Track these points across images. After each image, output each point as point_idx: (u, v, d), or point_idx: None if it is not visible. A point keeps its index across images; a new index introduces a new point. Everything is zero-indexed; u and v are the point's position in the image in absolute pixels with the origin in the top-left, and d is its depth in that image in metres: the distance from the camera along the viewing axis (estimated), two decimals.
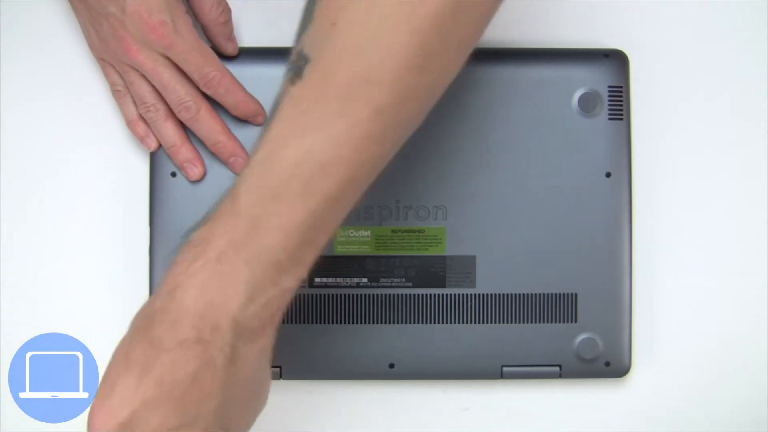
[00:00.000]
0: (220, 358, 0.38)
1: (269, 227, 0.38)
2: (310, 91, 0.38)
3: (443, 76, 0.40)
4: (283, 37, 0.54)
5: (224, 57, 0.52)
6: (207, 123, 0.51)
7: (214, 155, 0.52)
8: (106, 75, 0.52)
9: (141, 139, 0.52)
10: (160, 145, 0.52)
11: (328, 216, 0.39)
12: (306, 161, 0.37)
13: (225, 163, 0.52)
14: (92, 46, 0.52)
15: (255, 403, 0.42)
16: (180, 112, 0.50)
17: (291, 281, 0.39)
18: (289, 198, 0.38)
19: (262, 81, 0.52)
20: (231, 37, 0.52)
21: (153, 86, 0.50)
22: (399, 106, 0.38)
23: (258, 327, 0.39)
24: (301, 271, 0.39)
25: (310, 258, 0.39)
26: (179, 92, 0.50)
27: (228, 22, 0.51)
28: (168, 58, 0.49)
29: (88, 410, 0.39)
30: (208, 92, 0.50)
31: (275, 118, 0.39)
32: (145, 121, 0.52)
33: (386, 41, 0.37)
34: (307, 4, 0.40)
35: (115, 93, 0.52)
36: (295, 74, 0.38)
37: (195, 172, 0.52)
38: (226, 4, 0.51)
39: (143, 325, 0.39)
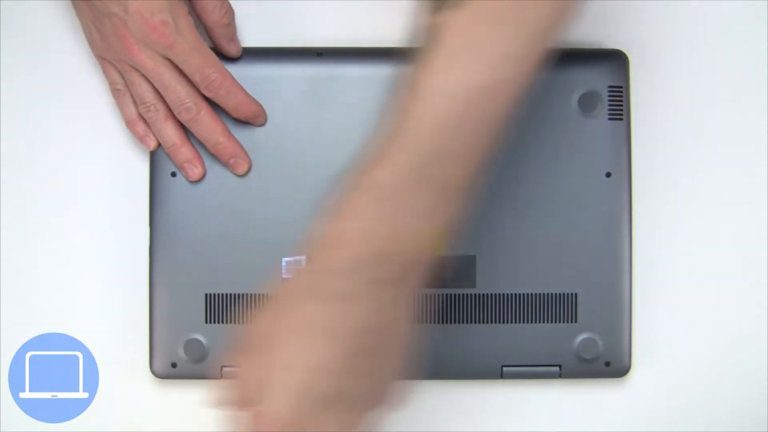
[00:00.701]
0: (398, 293, 0.39)
1: (440, 157, 0.39)
2: (471, 18, 0.39)
3: None
4: (284, 38, 0.55)
5: (226, 58, 0.52)
6: (207, 124, 0.51)
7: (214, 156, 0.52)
8: (106, 74, 0.52)
9: (140, 139, 0.52)
10: (159, 145, 0.52)
11: (490, 141, 0.40)
12: (473, 87, 0.39)
13: (225, 164, 0.52)
14: (93, 45, 0.52)
15: (406, 347, 0.43)
16: (180, 113, 0.50)
17: (458, 207, 0.41)
18: (459, 126, 0.39)
19: (263, 81, 0.52)
20: (234, 38, 0.52)
21: (153, 86, 0.50)
22: (555, 25, 0.40)
23: (427, 255, 0.40)
24: (466, 197, 0.41)
25: (473, 183, 0.41)
26: (179, 93, 0.50)
27: (231, 24, 0.51)
28: (169, 59, 0.49)
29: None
30: (209, 94, 0.50)
31: (437, 47, 0.39)
32: (144, 121, 0.52)
33: None
34: None
35: (115, 92, 0.52)
36: (452, 2, 0.40)
37: (195, 172, 0.52)
38: (230, 6, 0.51)
39: (306, 283, 0.40)
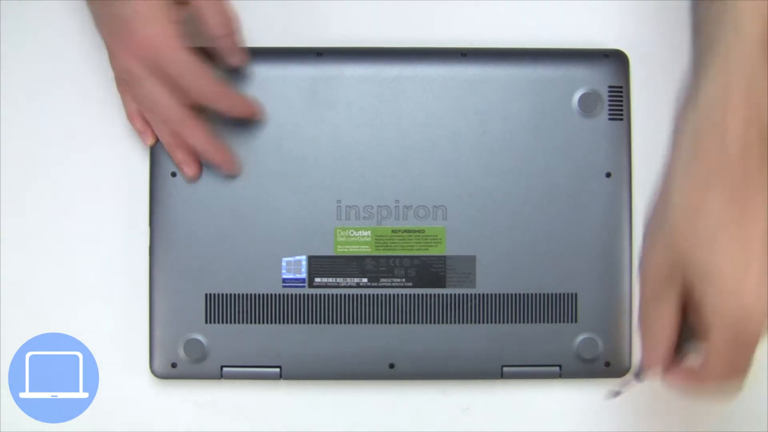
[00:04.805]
0: None
1: None
2: None
3: None
4: (284, 38, 0.55)
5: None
6: (193, 132, 0.50)
7: None
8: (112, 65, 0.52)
9: (139, 134, 0.52)
10: (157, 141, 0.52)
11: None
12: None
13: (215, 169, 0.52)
14: (102, 37, 0.51)
15: None
16: (167, 121, 0.50)
17: None
18: None
19: (263, 81, 0.52)
20: (233, 49, 0.50)
21: None
22: None
23: None
24: None
25: None
26: (166, 101, 0.49)
27: (231, 34, 0.50)
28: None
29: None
30: (194, 103, 0.50)
31: None
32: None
33: None
34: None
35: (119, 85, 0.52)
36: None
37: (190, 172, 0.52)
38: (229, 17, 0.49)
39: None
